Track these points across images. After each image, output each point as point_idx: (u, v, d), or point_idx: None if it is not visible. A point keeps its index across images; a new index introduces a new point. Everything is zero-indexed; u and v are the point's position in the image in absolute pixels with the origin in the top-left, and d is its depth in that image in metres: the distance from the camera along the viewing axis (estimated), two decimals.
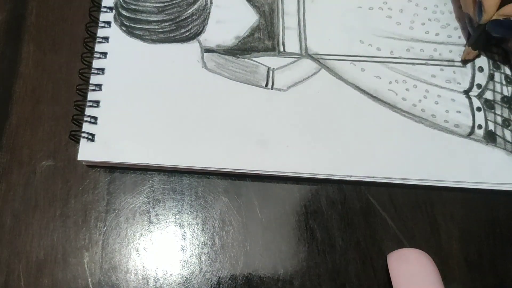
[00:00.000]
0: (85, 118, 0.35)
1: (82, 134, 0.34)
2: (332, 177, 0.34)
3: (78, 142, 0.34)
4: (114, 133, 0.35)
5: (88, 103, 0.35)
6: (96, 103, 0.35)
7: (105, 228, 0.34)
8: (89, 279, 0.32)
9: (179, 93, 0.36)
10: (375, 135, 0.35)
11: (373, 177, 0.34)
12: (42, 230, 0.33)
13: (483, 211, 0.34)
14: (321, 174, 0.34)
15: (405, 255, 0.32)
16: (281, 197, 0.34)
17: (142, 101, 0.36)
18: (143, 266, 0.33)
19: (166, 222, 0.34)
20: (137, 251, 0.33)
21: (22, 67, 0.38)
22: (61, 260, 0.33)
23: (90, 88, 0.36)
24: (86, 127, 0.35)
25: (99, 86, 0.36)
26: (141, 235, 0.34)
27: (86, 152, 0.34)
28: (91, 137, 0.34)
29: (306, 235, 0.33)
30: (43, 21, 0.39)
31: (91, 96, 0.36)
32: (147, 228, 0.34)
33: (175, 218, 0.34)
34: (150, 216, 0.34)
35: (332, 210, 0.34)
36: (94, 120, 0.35)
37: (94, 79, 0.36)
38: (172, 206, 0.34)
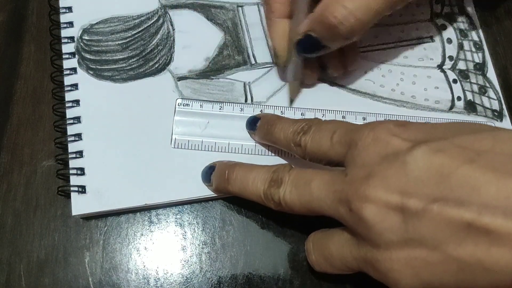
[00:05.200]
0: (71, 171, 0.33)
1: (72, 188, 0.33)
2: None
3: (68, 197, 0.33)
4: (104, 180, 0.33)
5: (70, 155, 0.34)
6: (79, 153, 0.34)
7: (105, 228, 0.34)
8: (90, 279, 0.32)
9: (162, 127, 0.35)
10: None
11: None
12: (43, 230, 0.34)
13: None
14: None
15: None
16: None
17: (126, 142, 0.34)
18: (144, 266, 0.33)
19: (167, 221, 0.34)
20: (137, 250, 0.33)
21: (23, 67, 0.38)
22: (62, 260, 0.33)
23: (69, 139, 0.34)
24: (74, 179, 0.33)
25: (78, 135, 0.34)
26: (142, 234, 0.34)
27: (80, 205, 0.33)
28: (82, 190, 0.33)
29: (307, 234, 0.33)
30: (44, 21, 0.39)
31: (72, 147, 0.34)
32: (147, 227, 0.34)
33: (176, 218, 0.34)
34: (150, 215, 0.34)
35: None
36: (81, 171, 0.34)
37: (71, 130, 0.35)
38: (173, 205, 0.34)
